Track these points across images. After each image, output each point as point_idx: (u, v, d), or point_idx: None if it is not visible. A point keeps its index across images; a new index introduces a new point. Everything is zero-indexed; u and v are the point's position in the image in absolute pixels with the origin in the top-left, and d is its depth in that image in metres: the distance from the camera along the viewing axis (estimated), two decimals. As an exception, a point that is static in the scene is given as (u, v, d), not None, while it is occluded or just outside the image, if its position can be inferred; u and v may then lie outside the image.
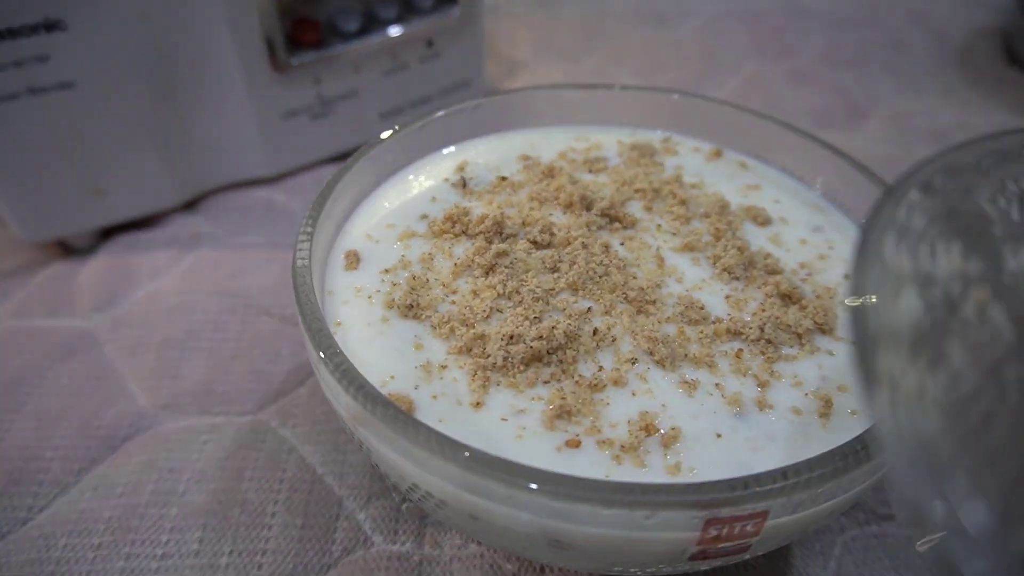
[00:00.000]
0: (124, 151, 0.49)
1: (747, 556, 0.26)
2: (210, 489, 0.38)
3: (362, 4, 0.55)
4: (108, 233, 0.53)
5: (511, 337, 0.30)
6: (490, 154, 0.42)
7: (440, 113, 0.41)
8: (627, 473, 0.26)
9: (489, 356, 0.30)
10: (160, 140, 0.51)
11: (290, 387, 0.43)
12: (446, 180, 0.40)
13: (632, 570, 0.27)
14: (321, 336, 0.28)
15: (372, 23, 0.56)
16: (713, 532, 0.23)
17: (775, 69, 0.75)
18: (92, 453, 0.40)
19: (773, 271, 0.35)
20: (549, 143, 0.43)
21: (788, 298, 0.33)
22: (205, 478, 0.38)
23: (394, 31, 0.56)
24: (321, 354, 0.27)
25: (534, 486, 0.23)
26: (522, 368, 0.29)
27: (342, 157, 0.60)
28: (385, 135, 0.39)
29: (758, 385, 0.30)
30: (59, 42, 0.44)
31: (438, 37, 0.59)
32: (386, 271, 0.34)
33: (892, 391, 0.17)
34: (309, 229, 0.33)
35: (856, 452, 0.24)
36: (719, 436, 0.28)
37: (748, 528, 0.24)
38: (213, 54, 0.50)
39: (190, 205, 0.56)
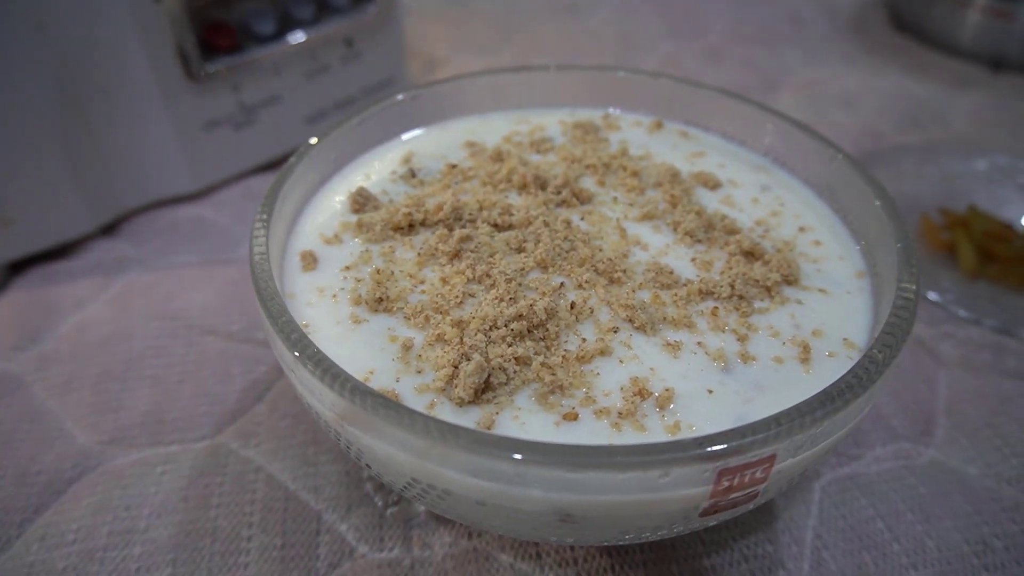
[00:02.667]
0: (31, 174, 0.46)
1: (751, 506, 0.27)
2: (175, 522, 0.35)
3: (276, 5, 0.53)
4: (19, 267, 0.49)
5: (490, 320, 0.29)
6: (434, 144, 0.41)
7: (378, 106, 0.40)
8: (629, 438, 0.26)
9: (470, 341, 0.29)
10: (72, 160, 0.47)
11: (247, 405, 0.41)
12: (393, 173, 0.39)
13: (644, 535, 0.26)
14: (294, 333, 0.26)
15: (288, 24, 0.54)
16: (725, 483, 0.23)
17: (689, 48, 0.77)
18: (34, 501, 0.36)
19: (732, 231, 0.35)
20: (492, 128, 0.43)
21: (751, 255, 0.34)
22: (167, 511, 0.36)
23: (312, 31, 0.54)
24: (296, 353, 0.26)
25: (549, 459, 0.22)
26: (506, 349, 0.29)
27: (270, 166, 0.57)
28: (323, 133, 0.37)
29: (738, 339, 0.30)
30: (-52, 60, 0.40)
31: (357, 36, 0.57)
32: (347, 268, 0.33)
33: None
34: (264, 217, 0.31)
35: (846, 391, 0.25)
36: (711, 392, 0.28)
37: (758, 475, 0.24)
38: (123, 65, 0.47)
39: (110, 229, 0.52)
